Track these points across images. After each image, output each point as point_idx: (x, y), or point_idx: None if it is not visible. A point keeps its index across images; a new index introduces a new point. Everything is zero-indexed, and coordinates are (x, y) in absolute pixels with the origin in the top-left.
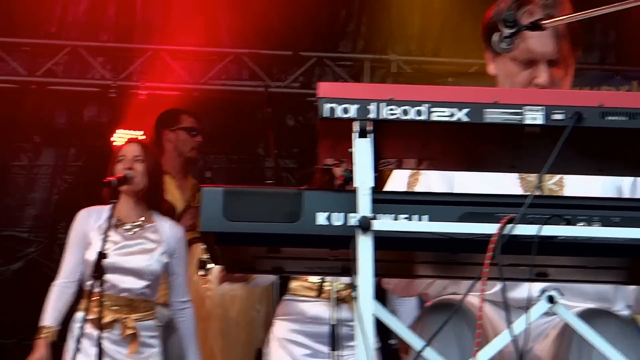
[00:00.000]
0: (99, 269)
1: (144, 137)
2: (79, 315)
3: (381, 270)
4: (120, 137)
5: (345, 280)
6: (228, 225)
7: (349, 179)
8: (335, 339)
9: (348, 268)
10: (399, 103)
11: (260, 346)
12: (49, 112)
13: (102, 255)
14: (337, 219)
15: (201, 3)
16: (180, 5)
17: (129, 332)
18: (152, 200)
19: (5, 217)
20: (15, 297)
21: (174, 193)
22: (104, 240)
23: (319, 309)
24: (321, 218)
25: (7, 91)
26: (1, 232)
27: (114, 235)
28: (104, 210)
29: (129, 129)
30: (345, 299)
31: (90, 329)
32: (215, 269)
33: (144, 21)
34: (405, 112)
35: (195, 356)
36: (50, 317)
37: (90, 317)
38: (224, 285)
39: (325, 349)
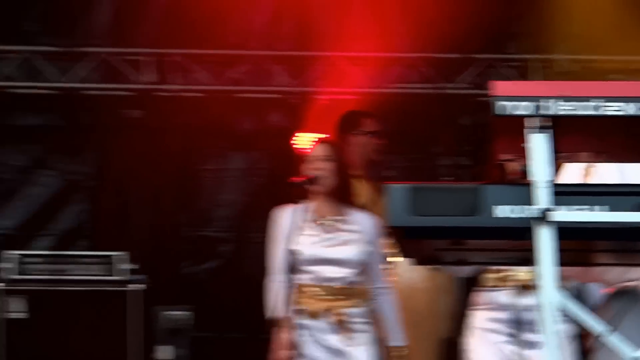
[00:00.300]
0: (299, 263)
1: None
2: (290, 307)
3: (560, 259)
4: (301, 140)
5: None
6: (414, 220)
7: (525, 173)
8: (522, 325)
9: (528, 258)
10: (573, 99)
11: (447, 335)
12: (234, 119)
13: (299, 250)
14: (516, 211)
15: (375, 10)
16: (355, 13)
17: (338, 319)
18: (343, 197)
19: (198, 218)
20: (211, 293)
21: (359, 193)
22: (303, 235)
23: (510, 297)
24: (500, 211)
25: (194, 100)
26: (195, 232)
27: (313, 230)
28: (300, 208)
29: (311, 132)
30: (532, 286)
31: (301, 319)
32: (401, 262)
33: (321, 29)
34: (578, 108)
35: (398, 338)
36: (278, 308)
37: (300, 307)
38: (409, 278)
39: (521, 334)
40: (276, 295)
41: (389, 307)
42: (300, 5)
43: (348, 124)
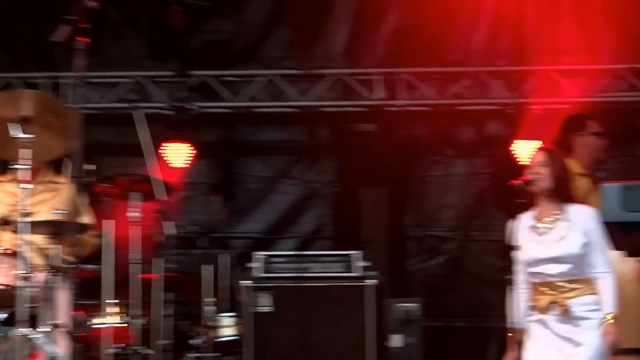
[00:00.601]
0: (527, 266)
1: (547, 145)
2: (526, 311)
3: None
4: (518, 147)
5: None
6: (626, 216)
7: None
8: None
9: None
10: None
11: None
12: (457, 129)
13: (525, 255)
14: None
15: (584, 26)
16: (566, 29)
17: (564, 310)
18: (562, 197)
19: (426, 219)
20: (438, 286)
21: (582, 189)
22: (526, 240)
23: None
24: None
25: (420, 113)
26: (422, 232)
27: (534, 234)
28: (526, 215)
29: (526, 140)
30: None
31: (535, 314)
32: (613, 254)
33: (535, 45)
34: None
35: (608, 307)
36: (515, 318)
37: (531, 304)
38: (619, 270)
39: None
40: (514, 303)
41: (606, 286)
42: (515, 24)
43: (574, 126)
